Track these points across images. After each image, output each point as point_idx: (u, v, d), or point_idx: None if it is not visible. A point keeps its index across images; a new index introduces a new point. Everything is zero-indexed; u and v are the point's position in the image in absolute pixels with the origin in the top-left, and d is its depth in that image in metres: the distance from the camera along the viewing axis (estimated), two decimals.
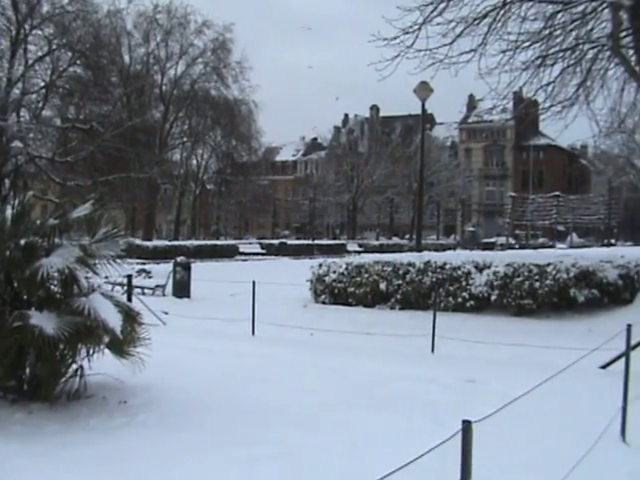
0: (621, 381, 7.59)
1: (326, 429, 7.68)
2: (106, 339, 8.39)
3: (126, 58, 65.41)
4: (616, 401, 7.59)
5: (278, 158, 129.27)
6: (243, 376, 10.34)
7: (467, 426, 3.77)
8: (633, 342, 8.35)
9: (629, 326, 7.74)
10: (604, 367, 10.85)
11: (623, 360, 7.83)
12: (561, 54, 21.09)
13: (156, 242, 57.79)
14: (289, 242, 73.14)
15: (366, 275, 21.20)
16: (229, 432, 7.49)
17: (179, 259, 24.83)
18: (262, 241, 74.91)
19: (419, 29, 19.27)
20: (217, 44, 68.72)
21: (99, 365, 8.65)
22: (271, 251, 63.81)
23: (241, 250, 61.09)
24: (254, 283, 16.30)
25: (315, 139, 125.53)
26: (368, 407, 8.64)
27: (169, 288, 24.22)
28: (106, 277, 9.45)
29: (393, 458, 4.22)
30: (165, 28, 67.42)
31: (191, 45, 68.83)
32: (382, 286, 20.80)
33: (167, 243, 56.93)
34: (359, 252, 58.66)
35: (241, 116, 72.25)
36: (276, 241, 73.01)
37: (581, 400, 9.09)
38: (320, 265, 22.45)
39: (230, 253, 57.28)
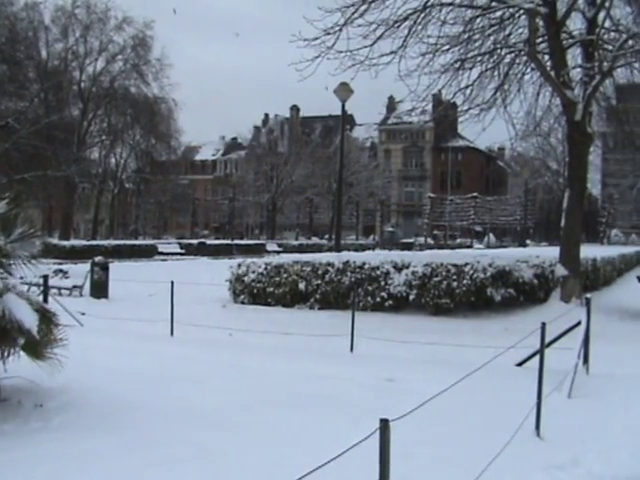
0: (536, 378, 7.75)
1: (246, 429, 7.66)
2: (21, 341, 8.20)
3: (43, 53, 63.94)
4: (531, 397, 7.74)
5: (198, 157, 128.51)
6: (162, 377, 10.24)
7: (384, 424, 3.80)
8: (547, 340, 8.53)
9: (543, 324, 7.91)
10: (520, 364, 11.04)
11: (538, 357, 7.98)
12: (479, 58, 21.46)
13: (73, 242, 56.83)
14: (208, 242, 72.73)
15: (285, 275, 21.18)
16: (148, 434, 7.41)
17: (97, 259, 24.41)
18: (181, 241, 74.21)
19: (340, 30, 19.37)
20: (137, 41, 67.90)
21: (14, 368, 8.44)
22: (190, 251, 63.29)
23: (160, 250, 60.45)
24: (173, 283, 16.15)
25: (235, 139, 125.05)
26: (288, 407, 8.64)
27: (87, 288, 23.79)
28: (21, 277, 9.23)
29: (313, 458, 4.23)
30: (84, 23, 66.08)
31: (111, 41, 67.77)
32: (301, 286, 20.81)
33: (85, 243, 56.04)
34: (278, 252, 58.68)
35: (161, 114, 71.55)
36: (195, 241, 72.46)
37: (497, 397, 9.25)
38: (239, 265, 22.34)
39: (149, 253, 56.71)
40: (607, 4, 20.63)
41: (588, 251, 25.69)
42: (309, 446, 6.83)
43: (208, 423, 7.81)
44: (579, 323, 11.16)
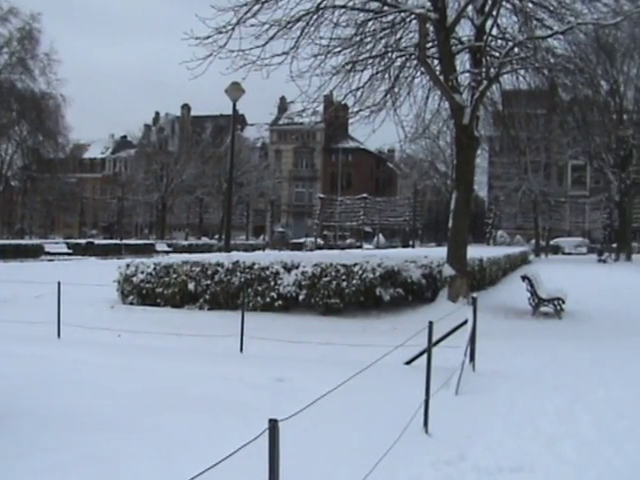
0: (424, 376, 7.88)
1: (136, 432, 7.54)
2: None
3: None
4: (419, 395, 7.86)
5: (86, 155, 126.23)
6: (49, 381, 9.99)
7: (273, 425, 3.80)
8: (435, 338, 8.68)
9: (430, 323, 8.04)
10: (408, 363, 11.19)
11: (426, 356, 8.11)
12: (370, 61, 21.71)
13: None
14: (96, 242, 71.44)
15: (174, 275, 20.96)
16: (36, 439, 7.21)
17: None
18: (69, 241, 72.53)
19: (233, 29, 19.28)
20: (24, 33, 66.10)
21: None
22: (78, 251, 61.95)
23: (47, 250, 58.90)
24: (59, 284, 15.78)
25: (125, 137, 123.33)
26: (177, 409, 8.55)
27: None
28: None
29: (203, 459, 4.20)
30: None
31: None
32: (190, 286, 20.63)
33: None
34: (168, 252, 58.16)
35: (48, 110, 69.91)
36: (83, 241, 71.04)
37: (387, 395, 9.35)
38: (128, 265, 21.98)
39: (35, 253, 55.18)
40: (494, 13, 21.12)
41: (475, 251, 26.25)
42: (199, 448, 6.78)
43: (96, 427, 7.65)
44: (466, 322, 11.40)
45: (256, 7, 19.27)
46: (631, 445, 7.70)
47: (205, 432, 7.51)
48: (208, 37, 19.31)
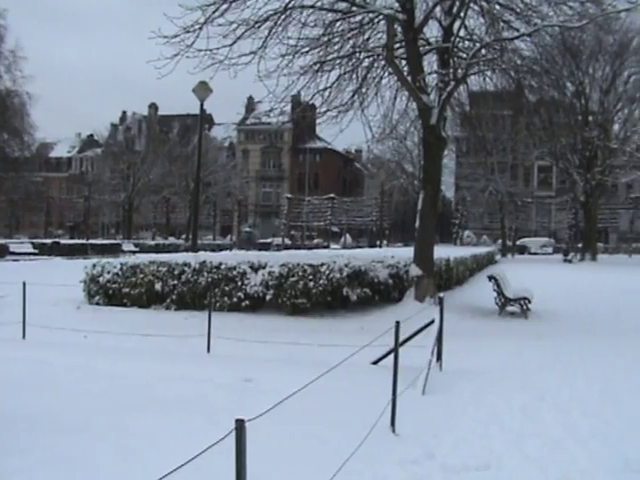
0: (391, 375, 7.89)
1: (102, 433, 7.49)
2: None
3: None
4: (386, 394, 7.88)
5: (52, 154, 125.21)
6: (14, 383, 9.90)
7: (240, 425, 3.79)
8: (402, 338, 8.70)
9: (397, 323, 8.06)
10: (375, 363, 11.20)
11: (393, 355, 8.13)
12: (338, 61, 21.73)
13: None
14: (62, 241, 70.86)
15: (141, 275, 20.85)
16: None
17: None
18: (34, 240, 71.77)
19: (200, 29, 19.20)
20: None
21: None
22: (44, 251, 61.40)
23: (11, 250, 58.35)
24: (25, 284, 15.64)
25: (91, 136, 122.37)
26: (144, 409, 8.51)
27: None
28: None
29: (170, 460, 4.18)
30: None
31: None
32: (157, 286, 20.54)
33: None
34: (135, 252, 57.70)
35: (14, 108, 68.99)
36: (49, 240, 70.42)
37: (354, 395, 9.36)
38: (94, 265, 21.83)
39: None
40: (462, 14, 21.21)
41: (442, 251, 26.35)
42: (166, 448, 6.76)
43: (62, 429, 7.59)
44: (432, 321, 11.45)
45: (224, 6, 19.21)
46: (596, 443, 7.78)
47: (172, 432, 7.48)
48: (176, 36, 19.22)
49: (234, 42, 19.54)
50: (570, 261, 56.31)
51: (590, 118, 57.37)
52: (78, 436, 7.32)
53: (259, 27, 19.70)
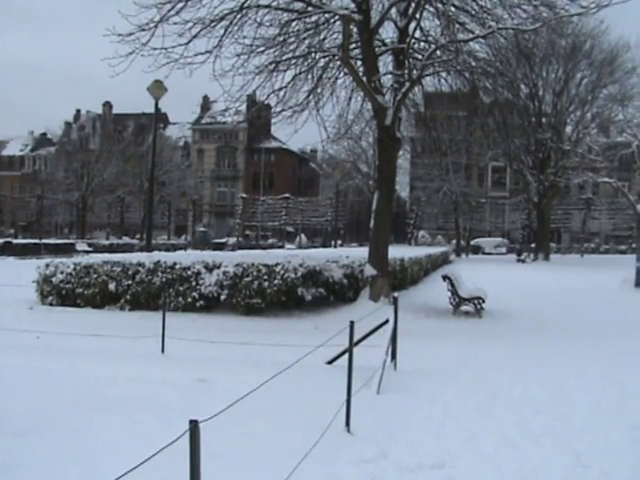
0: (345, 375, 7.90)
1: (55, 435, 7.40)
2: None
3: None
4: (341, 394, 7.89)
5: (4, 152, 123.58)
6: None
7: (194, 426, 3.77)
8: (356, 338, 8.72)
9: (352, 323, 8.07)
10: (330, 362, 11.21)
11: (347, 355, 8.14)
12: (294, 61, 21.73)
13: None
14: (15, 241, 69.94)
15: (95, 275, 20.67)
16: None
17: None
18: None
19: (156, 27, 19.08)
20: None
21: None
22: None
23: None
24: None
25: (44, 134, 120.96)
26: (98, 411, 8.42)
27: None
28: None
29: (124, 461, 4.14)
30: None
31: None
32: (111, 287, 20.37)
33: None
34: (89, 252, 57.14)
35: None
36: (1, 240, 69.44)
37: (309, 394, 9.36)
38: (47, 265, 21.58)
39: None
40: (418, 15, 21.32)
41: (396, 251, 26.44)
42: (120, 450, 6.69)
43: (13, 431, 7.47)
44: (387, 321, 11.49)
45: (180, 5, 19.12)
46: (548, 440, 7.88)
47: (126, 434, 7.41)
48: (130, 34, 19.08)
49: (189, 41, 19.47)
50: (523, 261, 56.87)
51: (543, 120, 58.02)
52: (30, 439, 7.22)
53: (215, 26, 19.63)
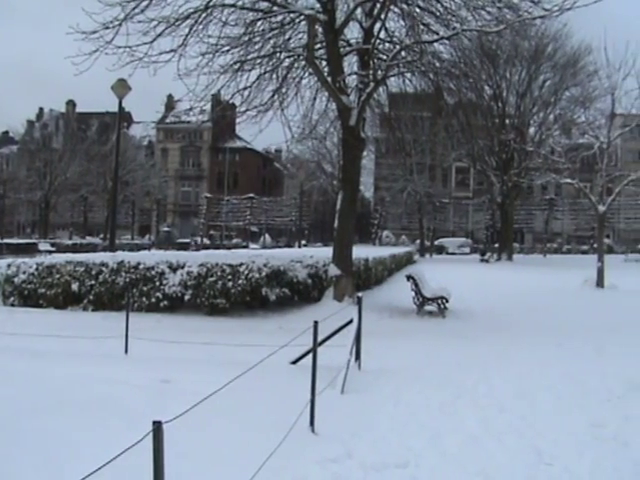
0: (309, 375, 7.91)
1: (18, 438, 7.31)
2: None
3: None
4: (305, 394, 7.89)
5: None
6: None
7: (157, 427, 3.76)
8: (320, 338, 8.73)
9: (316, 323, 8.08)
10: (294, 362, 11.19)
11: (311, 355, 8.14)
12: (259, 60, 21.71)
13: None
14: None
15: (57, 276, 20.51)
16: None
17: None
18: None
19: (120, 25, 18.98)
20: None
21: None
22: None
23: None
24: None
25: (6, 132, 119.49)
26: (60, 413, 8.32)
27: None
28: None
29: (87, 464, 4.12)
30: None
31: None
32: (74, 287, 20.22)
33: None
34: (51, 252, 56.61)
35: None
36: None
37: (273, 395, 9.35)
38: (9, 265, 21.38)
39: None
40: (383, 16, 21.40)
41: (361, 251, 26.50)
42: (83, 452, 6.63)
43: None
44: (351, 321, 11.51)
45: (144, 3, 19.03)
46: (511, 438, 7.95)
47: (89, 436, 7.34)
48: (94, 32, 18.96)
49: (154, 39, 19.37)
50: (487, 261, 57.18)
51: (507, 121, 58.44)
52: None
53: (179, 25, 19.57)
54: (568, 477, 6.85)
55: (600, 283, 29.76)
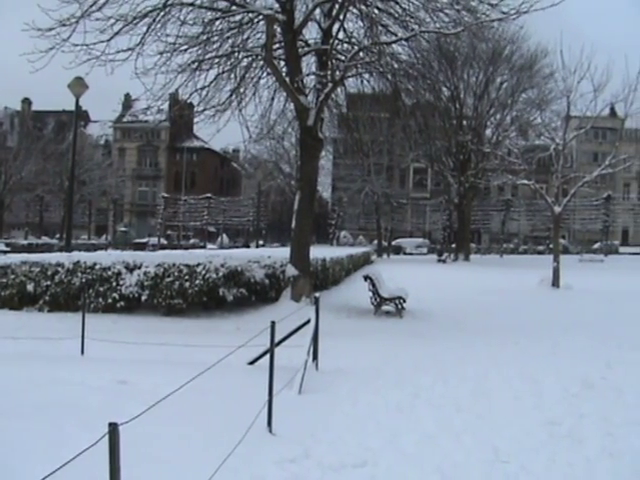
0: (267, 376, 7.90)
1: None
2: None
3: None
4: (263, 395, 7.89)
5: None
6: None
7: (113, 428, 3.74)
8: (278, 338, 8.72)
9: (273, 323, 8.09)
10: (251, 363, 11.18)
11: (269, 356, 8.14)
12: (217, 60, 21.61)
13: None
14: None
15: (12, 276, 20.28)
16: None
17: None
18: None
19: (77, 22, 18.75)
20: None
21: None
22: None
23: None
24: None
25: None
26: (14, 415, 8.22)
27: None
28: None
29: (42, 467, 4.08)
30: None
31: None
32: (29, 287, 20.01)
33: None
34: (6, 252, 55.95)
35: None
36: None
37: (230, 395, 9.33)
38: None
39: None
40: (341, 17, 21.45)
41: (318, 252, 26.51)
42: (38, 456, 6.56)
43: None
44: (309, 321, 11.52)
45: (101, 1, 18.84)
46: (468, 437, 8.02)
47: (44, 439, 7.27)
48: (51, 29, 18.73)
49: (111, 38, 19.20)
50: (444, 261, 57.55)
51: (464, 122, 58.90)
52: None
53: (137, 23, 19.40)
54: (524, 474, 6.93)
55: (556, 283, 30.10)
